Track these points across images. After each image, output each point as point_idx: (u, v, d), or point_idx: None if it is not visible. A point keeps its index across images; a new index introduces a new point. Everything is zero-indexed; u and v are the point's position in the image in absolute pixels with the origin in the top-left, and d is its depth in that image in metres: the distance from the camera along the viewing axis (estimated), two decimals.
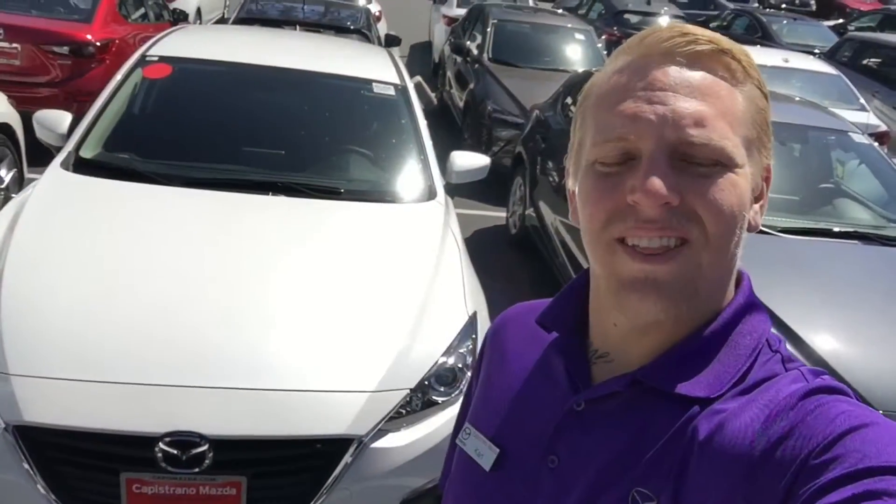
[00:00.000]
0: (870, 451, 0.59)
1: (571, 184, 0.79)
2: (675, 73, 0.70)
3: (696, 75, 0.70)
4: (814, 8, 21.42)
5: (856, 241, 3.64)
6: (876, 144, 4.51)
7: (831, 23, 15.74)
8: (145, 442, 2.12)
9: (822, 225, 3.73)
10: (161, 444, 2.11)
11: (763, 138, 0.74)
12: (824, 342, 2.82)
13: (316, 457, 2.26)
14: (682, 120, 0.68)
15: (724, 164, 0.69)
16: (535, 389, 0.84)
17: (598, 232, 0.72)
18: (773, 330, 0.77)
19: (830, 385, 0.68)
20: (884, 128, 7.60)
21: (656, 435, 0.70)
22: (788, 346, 0.81)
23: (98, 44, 6.49)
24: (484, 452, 0.83)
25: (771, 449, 0.63)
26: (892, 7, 17.82)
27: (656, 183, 0.67)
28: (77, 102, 5.96)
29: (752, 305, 0.76)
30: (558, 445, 0.77)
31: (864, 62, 10.21)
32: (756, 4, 20.85)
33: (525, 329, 0.89)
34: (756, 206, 0.75)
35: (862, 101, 8.02)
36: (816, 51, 11.10)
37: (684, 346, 0.73)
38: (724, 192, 0.69)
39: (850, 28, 14.48)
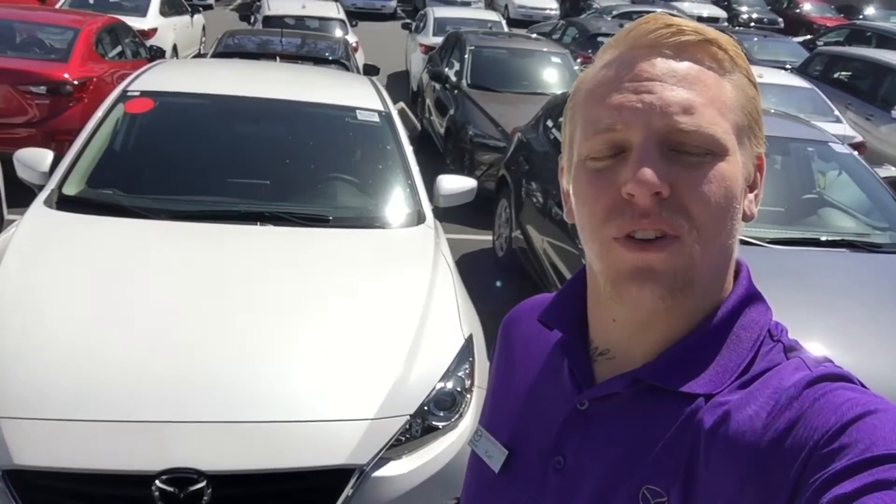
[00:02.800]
0: (877, 439, 0.58)
1: (565, 182, 0.79)
2: (662, 63, 0.70)
3: (683, 65, 0.70)
4: (782, 25, 21.85)
5: (844, 250, 3.67)
6: (856, 153, 4.56)
7: (800, 39, 16.03)
8: (141, 480, 2.06)
9: (809, 235, 3.76)
10: (158, 482, 2.05)
11: (754, 127, 0.74)
12: (818, 351, 2.81)
13: (317, 489, 2.21)
14: (669, 108, 0.68)
15: (714, 152, 0.69)
16: (541, 389, 0.84)
17: (596, 229, 0.71)
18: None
19: (834, 372, 0.68)
20: (860, 138, 7.71)
21: (661, 431, 0.70)
22: None
23: (75, 82, 6.46)
24: (494, 454, 0.83)
25: (779, 439, 0.63)
26: (858, 22, 18.19)
27: (647, 172, 0.66)
28: (55, 142, 5.90)
29: (752, 296, 0.75)
30: (564, 446, 0.76)
31: (836, 75, 10.38)
32: (726, 24, 21.24)
33: (532, 327, 0.88)
34: (751, 196, 0.75)
35: (836, 112, 8.14)
36: (788, 66, 11.28)
37: (685, 342, 0.72)
38: (712, 185, 0.68)
39: (818, 43, 14.75)
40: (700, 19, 19.68)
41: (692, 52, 0.71)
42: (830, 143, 4.46)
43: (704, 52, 0.71)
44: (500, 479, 0.81)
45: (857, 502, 0.55)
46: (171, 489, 2.06)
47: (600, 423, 0.74)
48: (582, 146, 0.73)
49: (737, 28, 19.51)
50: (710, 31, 0.72)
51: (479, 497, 0.86)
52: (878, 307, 3.23)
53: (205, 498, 2.07)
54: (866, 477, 0.56)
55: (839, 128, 7.47)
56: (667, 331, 0.73)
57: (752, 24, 21.97)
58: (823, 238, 3.73)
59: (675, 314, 0.72)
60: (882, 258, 3.68)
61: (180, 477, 2.07)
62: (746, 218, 0.74)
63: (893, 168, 6.50)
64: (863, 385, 0.67)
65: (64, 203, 3.17)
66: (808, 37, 17.08)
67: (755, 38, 13.60)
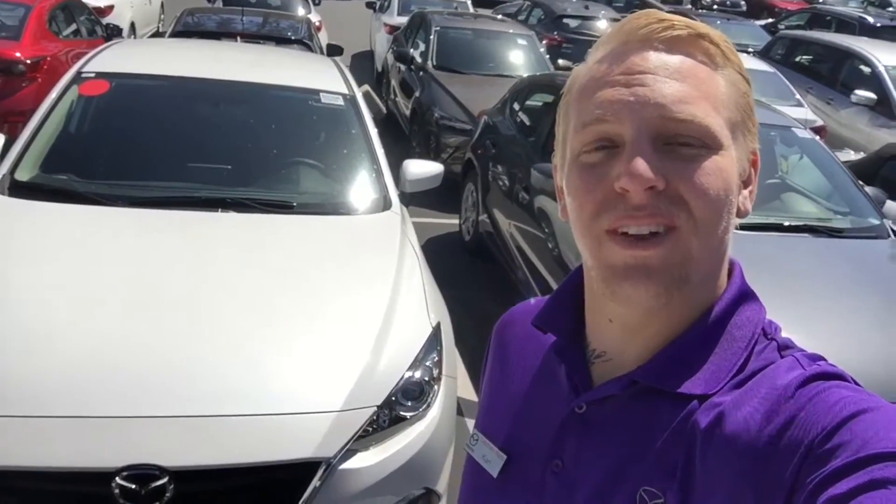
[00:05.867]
0: (870, 438, 0.58)
1: (559, 179, 0.78)
2: (654, 57, 0.70)
3: (675, 59, 0.70)
4: (744, 8, 22.04)
5: (806, 234, 3.71)
6: (818, 138, 4.61)
7: (762, 22, 16.19)
8: (101, 478, 2.01)
9: (772, 220, 3.79)
10: (118, 479, 2.00)
11: (748, 122, 0.73)
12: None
13: (283, 483, 2.17)
14: (663, 98, 0.68)
15: (708, 145, 0.68)
16: (537, 393, 0.83)
17: (588, 224, 0.71)
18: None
19: (827, 371, 0.68)
20: (820, 122, 7.82)
21: (658, 432, 0.70)
22: None
23: (28, 61, 6.25)
24: (491, 459, 0.83)
25: (774, 439, 0.63)
26: (818, 6, 18.42)
27: (640, 165, 0.66)
28: (8, 123, 5.72)
29: (745, 295, 0.75)
30: (562, 449, 0.76)
31: (797, 59, 10.50)
32: (689, 6, 21.36)
33: (526, 331, 0.87)
34: (745, 192, 0.75)
35: (798, 96, 8.25)
36: (750, 49, 11.39)
37: (680, 342, 0.72)
38: (709, 176, 0.68)
39: (780, 27, 14.91)
40: (663, 0, 19.77)
41: (684, 46, 0.71)
42: (793, 128, 4.50)
43: (696, 47, 0.71)
44: (497, 483, 0.81)
45: (853, 502, 0.55)
46: (132, 486, 2.00)
47: (598, 426, 0.74)
48: (574, 139, 0.73)
49: (700, 11, 19.63)
50: (702, 27, 0.72)
51: (476, 501, 0.86)
52: (839, 292, 3.27)
53: (167, 494, 2.03)
54: (861, 476, 0.56)
55: (800, 112, 7.57)
56: (662, 330, 0.73)
57: (715, 7, 22.12)
58: (786, 223, 3.77)
59: (670, 312, 0.71)
60: (843, 243, 3.73)
61: (141, 473, 2.02)
62: (740, 214, 0.73)
63: (853, 152, 6.61)
64: (856, 383, 0.67)
65: (16, 189, 3.05)
66: (770, 20, 17.25)
67: (718, 22, 13.67)
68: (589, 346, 0.79)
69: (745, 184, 0.74)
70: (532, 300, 0.95)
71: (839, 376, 0.67)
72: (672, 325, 0.72)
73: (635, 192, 0.66)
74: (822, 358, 0.70)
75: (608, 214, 0.69)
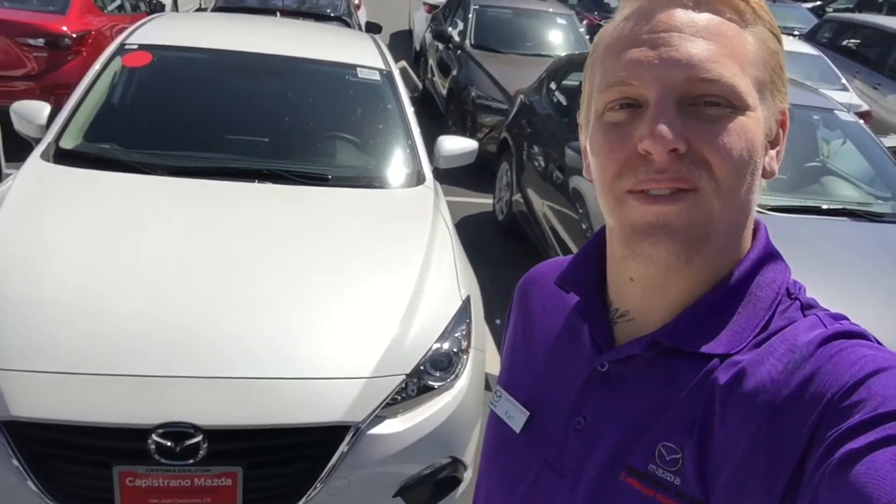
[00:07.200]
0: (890, 395, 0.58)
1: (583, 138, 0.78)
2: (681, 14, 0.69)
3: (703, 17, 0.69)
4: None
5: (845, 218, 3.65)
6: (861, 122, 4.51)
7: (810, 5, 15.80)
8: (138, 434, 2.08)
9: (811, 203, 3.74)
10: (154, 436, 2.07)
11: (777, 81, 0.72)
12: None
13: (312, 445, 2.23)
14: (689, 59, 0.67)
15: (734, 105, 0.67)
16: (561, 351, 0.84)
17: (610, 184, 0.71)
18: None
19: (850, 329, 0.67)
20: (866, 107, 7.64)
21: (679, 390, 0.70)
22: None
23: (74, 35, 6.37)
24: (514, 415, 0.84)
25: (794, 396, 0.63)
26: None
27: (663, 128, 0.66)
28: (54, 95, 5.84)
29: (770, 255, 0.75)
30: (584, 406, 0.77)
31: (844, 43, 10.25)
32: None
33: (549, 290, 0.88)
34: (772, 152, 0.74)
35: (843, 81, 8.06)
36: (796, 32, 11.14)
37: (703, 302, 0.72)
38: (732, 137, 0.67)
39: (828, 10, 14.54)
40: None
41: (713, 3, 0.69)
42: (836, 111, 4.41)
43: (725, 4, 0.70)
44: (521, 440, 0.82)
45: (868, 457, 0.55)
46: (167, 443, 2.07)
47: (620, 384, 0.75)
48: (598, 99, 0.73)
49: None
50: None
51: (499, 456, 0.87)
52: (877, 276, 3.22)
53: (200, 452, 2.09)
54: (878, 432, 0.56)
55: (846, 96, 7.40)
56: (684, 290, 0.73)
57: None
58: (825, 206, 3.71)
59: (692, 272, 0.71)
60: (883, 227, 3.66)
61: (176, 431, 2.08)
62: (766, 174, 0.73)
63: None
64: (879, 342, 0.67)
65: (61, 156, 3.14)
66: (818, 3, 16.82)
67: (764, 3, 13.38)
68: (611, 306, 0.79)
69: (773, 144, 0.73)
70: (556, 258, 0.96)
71: (861, 335, 0.67)
72: (694, 286, 0.72)
73: (657, 155, 0.66)
74: (844, 317, 0.70)
75: (630, 176, 0.69)
